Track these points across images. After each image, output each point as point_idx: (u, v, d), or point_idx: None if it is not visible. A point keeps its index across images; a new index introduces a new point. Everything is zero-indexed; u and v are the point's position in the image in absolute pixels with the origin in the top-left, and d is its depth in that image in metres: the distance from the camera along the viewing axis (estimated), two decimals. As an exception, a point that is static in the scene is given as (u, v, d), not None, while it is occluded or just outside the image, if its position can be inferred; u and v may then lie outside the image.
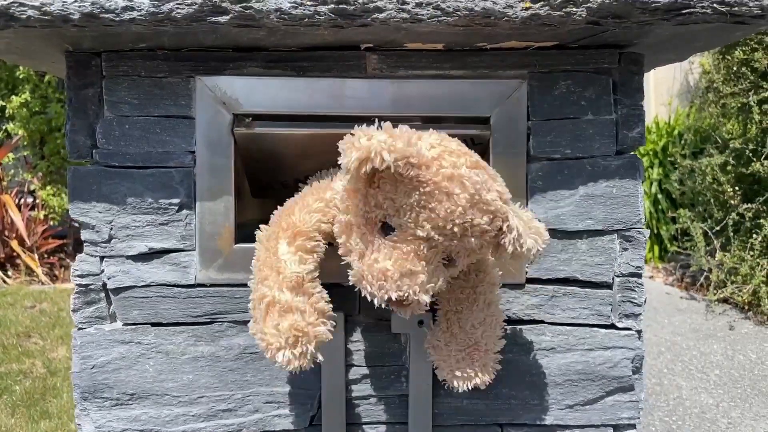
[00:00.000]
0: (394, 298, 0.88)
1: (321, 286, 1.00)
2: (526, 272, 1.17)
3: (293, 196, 1.46)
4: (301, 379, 1.17)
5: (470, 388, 1.05)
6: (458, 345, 1.05)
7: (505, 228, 0.90)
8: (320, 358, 0.97)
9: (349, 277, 0.93)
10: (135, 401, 1.16)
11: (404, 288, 0.87)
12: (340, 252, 0.96)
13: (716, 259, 3.55)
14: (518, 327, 1.18)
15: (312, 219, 1.00)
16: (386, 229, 0.91)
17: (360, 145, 0.82)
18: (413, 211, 0.87)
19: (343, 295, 1.16)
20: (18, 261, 4.23)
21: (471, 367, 1.04)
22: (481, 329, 1.05)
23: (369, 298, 0.90)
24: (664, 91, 5.32)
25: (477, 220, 0.87)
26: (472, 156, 0.89)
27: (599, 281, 1.17)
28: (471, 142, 1.18)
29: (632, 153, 1.17)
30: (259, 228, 1.04)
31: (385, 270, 0.87)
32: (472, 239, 0.89)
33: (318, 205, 1.01)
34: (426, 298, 0.89)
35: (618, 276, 1.17)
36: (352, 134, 0.85)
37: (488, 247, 0.93)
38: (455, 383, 1.05)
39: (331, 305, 1.00)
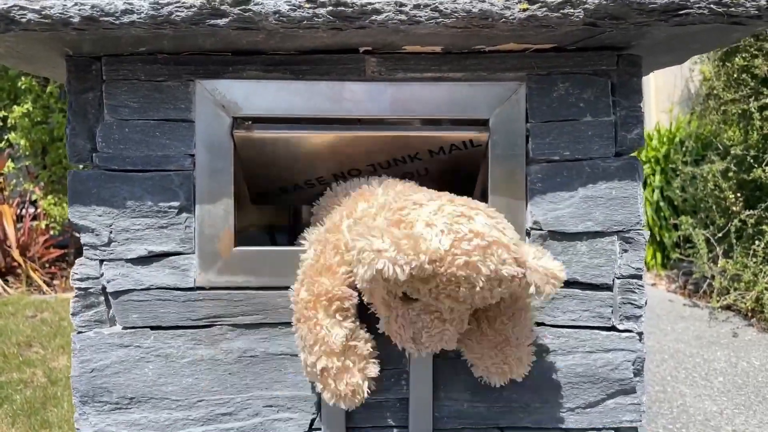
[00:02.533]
0: (423, 355, 1.01)
1: (359, 329, 1.06)
2: (526, 274, 1.17)
3: (292, 202, 1.46)
4: (301, 383, 1.17)
5: (506, 382, 1.08)
6: (490, 342, 1.06)
7: (523, 284, 0.94)
8: (373, 387, 1.08)
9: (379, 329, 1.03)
10: (134, 405, 1.15)
11: (432, 346, 0.97)
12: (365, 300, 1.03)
13: (719, 266, 3.53)
14: (519, 329, 1.18)
15: (339, 280, 1.05)
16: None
17: (369, 261, 0.84)
18: (432, 293, 0.91)
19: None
20: (19, 270, 4.22)
21: (506, 362, 1.06)
22: (511, 324, 1.06)
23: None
24: (665, 98, 5.33)
25: (496, 291, 0.92)
26: (485, 234, 0.89)
27: (599, 283, 1.17)
28: (470, 144, 1.18)
29: (631, 155, 1.17)
30: (290, 287, 1.09)
31: (412, 335, 0.97)
32: (493, 299, 0.95)
33: (337, 259, 1.05)
34: (452, 345, 0.99)
35: (618, 278, 1.17)
36: (362, 249, 0.86)
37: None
38: (492, 380, 1.08)
39: (372, 341, 1.07)
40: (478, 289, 0.89)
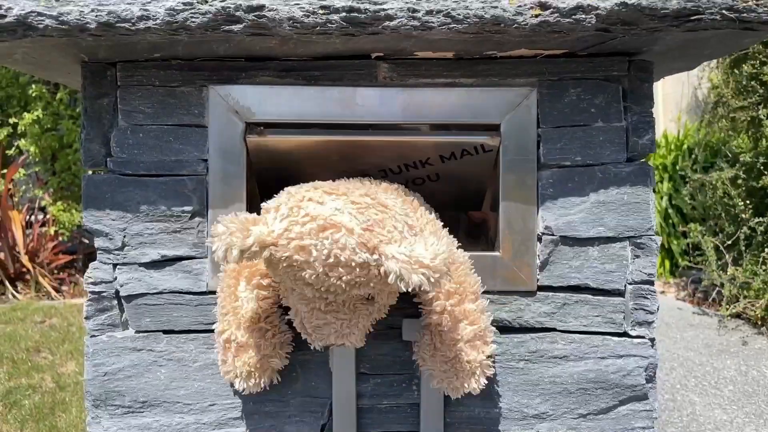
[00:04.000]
0: (320, 348, 0.99)
1: (279, 319, 1.09)
2: (537, 280, 1.17)
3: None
4: (312, 388, 1.17)
5: (462, 395, 1.07)
6: (442, 357, 1.06)
7: (383, 273, 0.88)
8: (276, 381, 1.11)
9: None
10: (147, 409, 1.15)
11: (323, 339, 0.95)
12: None
13: (728, 273, 3.51)
14: (530, 335, 1.18)
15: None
16: None
17: (214, 246, 0.87)
18: (289, 278, 0.91)
19: (354, 303, 1.16)
20: (28, 276, 4.25)
21: (458, 378, 1.05)
22: (460, 344, 1.05)
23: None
24: (673, 106, 5.32)
25: (346, 277, 0.88)
26: (321, 217, 0.88)
27: (611, 289, 1.17)
28: (481, 149, 1.18)
29: (643, 160, 1.17)
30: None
31: (301, 326, 0.98)
32: (359, 289, 0.91)
33: None
34: (352, 341, 0.96)
35: (630, 283, 1.16)
36: (211, 234, 0.89)
37: (387, 286, 0.92)
38: (448, 392, 1.08)
39: (288, 334, 1.10)
40: (321, 273, 0.87)
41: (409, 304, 1.16)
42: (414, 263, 0.85)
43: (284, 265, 0.88)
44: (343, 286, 0.89)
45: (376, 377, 1.18)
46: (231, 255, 0.85)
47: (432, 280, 0.85)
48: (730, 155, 3.74)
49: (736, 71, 3.61)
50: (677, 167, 4.54)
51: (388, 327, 1.17)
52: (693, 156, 4.33)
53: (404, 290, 0.86)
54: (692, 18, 0.98)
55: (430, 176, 1.30)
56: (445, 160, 1.25)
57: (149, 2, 0.95)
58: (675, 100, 5.33)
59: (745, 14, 0.97)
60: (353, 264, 0.87)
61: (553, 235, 1.16)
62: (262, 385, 1.07)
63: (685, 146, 4.58)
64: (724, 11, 0.97)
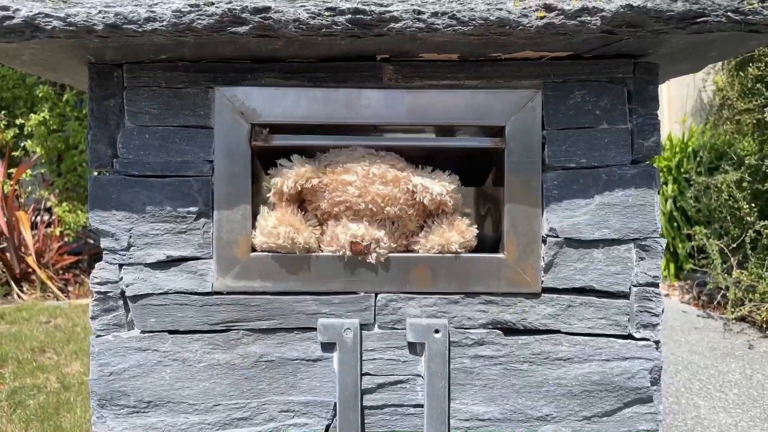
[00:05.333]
0: (347, 245, 1.14)
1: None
2: (542, 281, 1.17)
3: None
4: (317, 388, 1.17)
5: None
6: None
7: (411, 188, 1.15)
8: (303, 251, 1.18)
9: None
10: (151, 409, 1.16)
11: (356, 229, 1.14)
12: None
13: (733, 276, 3.50)
14: (534, 337, 1.18)
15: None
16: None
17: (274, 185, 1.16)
18: (331, 208, 1.16)
19: (358, 304, 1.16)
20: (33, 277, 4.26)
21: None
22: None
23: (337, 252, 1.15)
24: (678, 108, 5.31)
25: (383, 191, 1.13)
26: (358, 151, 1.17)
27: (616, 291, 1.16)
28: (486, 151, 1.19)
29: (648, 162, 1.17)
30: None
31: (333, 237, 1.16)
32: (390, 208, 1.15)
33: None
34: (379, 236, 1.14)
35: (635, 286, 1.16)
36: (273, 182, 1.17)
37: (411, 208, 1.17)
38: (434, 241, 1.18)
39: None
40: (362, 189, 1.13)
41: (412, 306, 1.16)
42: (435, 179, 1.16)
43: (330, 187, 1.15)
44: (380, 202, 1.14)
45: (381, 377, 1.18)
46: (288, 185, 1.13)
47: (448, 190, 1.15)
48: (735, 158, 3.73)
49: (742, 74, 3.61)
50: (682, 169, 4.53)
51: (393, 328, 1.17)
52: (698, 158, 4.32)
53: (427, 200, 1.14)
54: (698, 20, 0.97)
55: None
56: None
57: (156, 4, 0.96)
58: (680, 102, 5.32)
59: (750, 16, 0.97)
60: (387, 178, 1.14)
61: (557, 237, 1.16)
62: (302, 246, 1.15)
63: (689, 148, 4.57)
64: (729, 13, 0.97)
